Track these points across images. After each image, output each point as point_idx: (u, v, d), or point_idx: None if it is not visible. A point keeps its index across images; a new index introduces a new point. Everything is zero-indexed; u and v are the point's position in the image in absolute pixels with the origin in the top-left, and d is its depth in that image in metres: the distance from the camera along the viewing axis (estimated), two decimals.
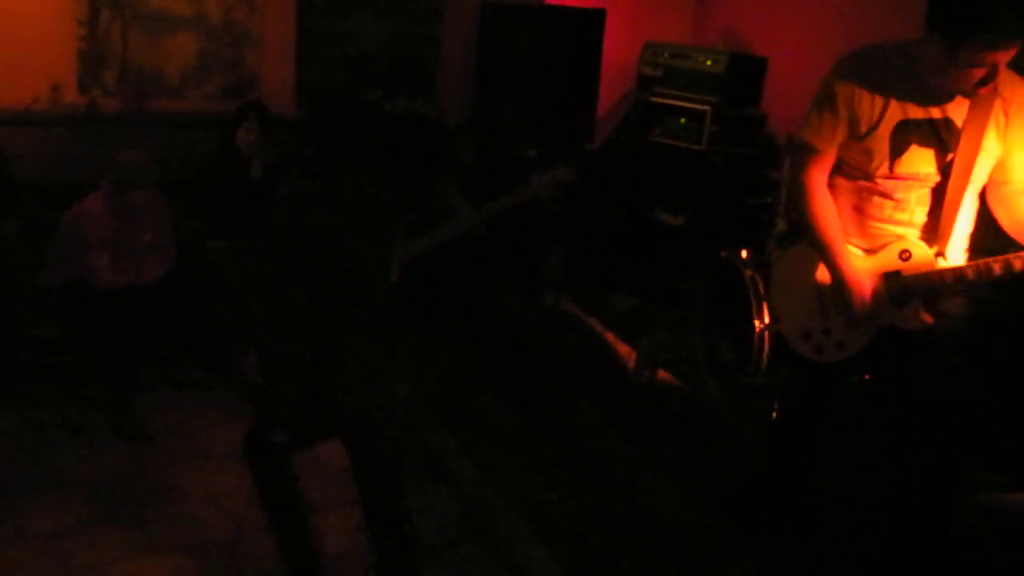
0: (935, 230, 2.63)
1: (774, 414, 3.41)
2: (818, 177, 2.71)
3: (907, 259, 2.63)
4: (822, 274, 2.78)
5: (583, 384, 4.20)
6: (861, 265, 2.69)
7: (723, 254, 4.06)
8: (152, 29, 4.79)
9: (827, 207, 2.71)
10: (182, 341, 4.25)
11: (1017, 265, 2.40)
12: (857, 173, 2.68)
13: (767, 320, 3.72)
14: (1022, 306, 3.12)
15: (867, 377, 3.41)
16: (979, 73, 2.39)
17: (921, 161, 2.57)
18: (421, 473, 3.67)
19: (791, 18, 5.16)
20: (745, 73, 5.03)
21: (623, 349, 4.53)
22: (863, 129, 2.58)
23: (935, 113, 2.55)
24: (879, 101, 2.55)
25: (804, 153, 2.72)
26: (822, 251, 2.72)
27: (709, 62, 4.96)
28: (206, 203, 4.47)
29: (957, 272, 2.56)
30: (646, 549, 3.09)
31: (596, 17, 5.16)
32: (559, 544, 3.11)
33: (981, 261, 2.54)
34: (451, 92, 5.54)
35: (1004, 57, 2.36)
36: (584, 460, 3.64)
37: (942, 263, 2.60)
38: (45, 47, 4.50)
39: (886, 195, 2.65)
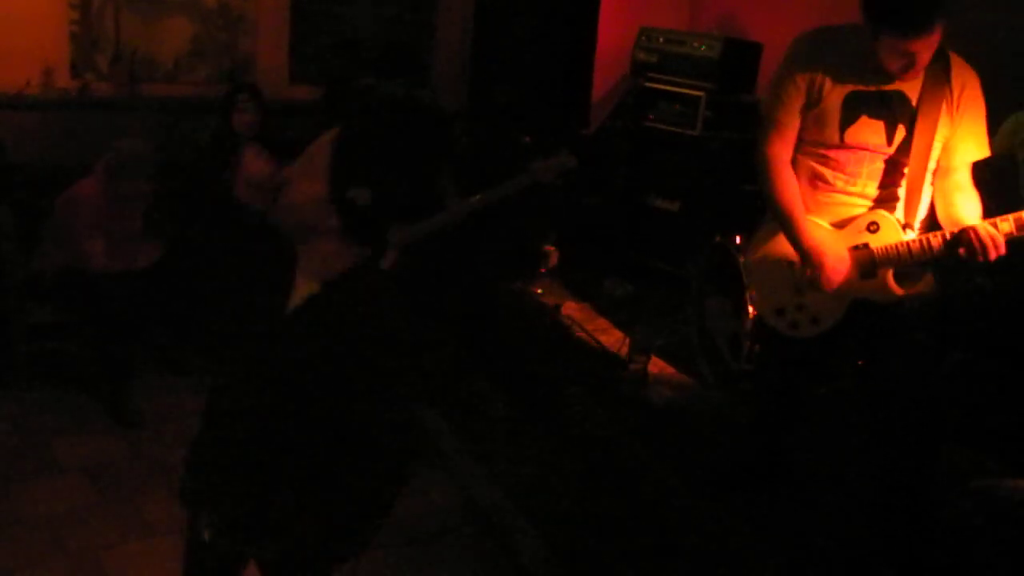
0: (891, 203, 2.72)
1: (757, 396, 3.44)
2: (780, 150, 2.78)
3: (875, 231, 2.71)
4: (790, 251, 2.82)
5: (577, 370, 4.21)
6: (829, 239, 2.73)
7: (717, 240, 4.07)
8: (145, 13, 4.76)
9: (788, 180, 2.77)
10: (177, 326, 4.24)
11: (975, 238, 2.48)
12: (809, 146, 2.76)
13: None
14: (1017, 289, 3.15)
15: (860, 363, 3.44)
16: (900, 59, 2.51)
17: (871, 132, 2.68)
18: (415, 460, 3.69)
19: (786, 3, 5.15)
20: (740, 59, 5.02)
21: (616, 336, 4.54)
22: (816, 99, 2.68)
23: (886, 86, 2.64)
24: (832, 73, 2.66)
25: (766, 126, 2.80)
26: (784, 224, 2.78)
27: (704, 47, 4.95)
28: (202, 188, 4.45)
29: (923, 243, 2.63)
30: (641, 536, 3.11)
31: (591, 2, 5.15)
32: (553, 529, 3.13)
33: (947, 232, 2.60)
34: (446, 78, 5.53)
35: (920, 47, 2.46)
36: (578, 447, 3.65)
37: (909, 234, 2.68)
38: (37, 30, 4.47)
39: (837, 168, 2.73)
